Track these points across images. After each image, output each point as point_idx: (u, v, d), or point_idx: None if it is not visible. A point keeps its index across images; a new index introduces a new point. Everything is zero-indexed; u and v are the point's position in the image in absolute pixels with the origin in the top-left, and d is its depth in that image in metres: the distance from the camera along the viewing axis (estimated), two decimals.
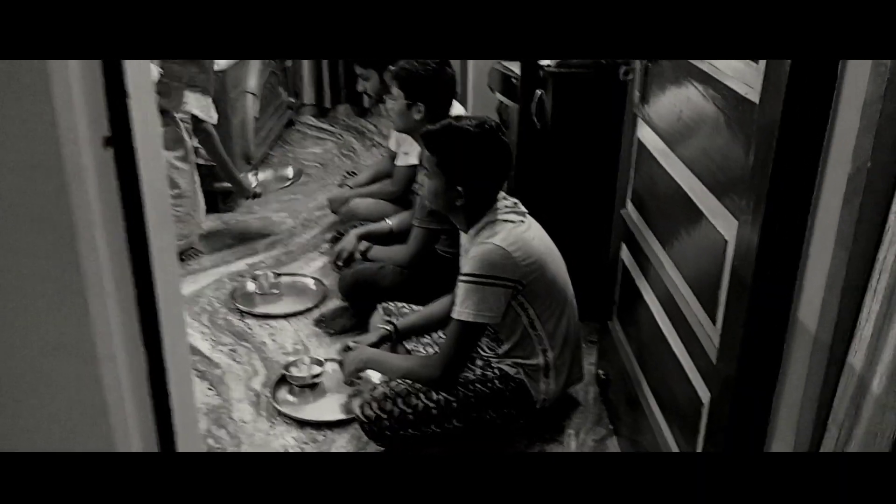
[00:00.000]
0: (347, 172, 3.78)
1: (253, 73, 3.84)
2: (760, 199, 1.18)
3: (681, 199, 1.60)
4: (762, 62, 1.20)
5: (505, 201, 2.04)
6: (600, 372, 2.25)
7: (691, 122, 1.55)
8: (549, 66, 2.52)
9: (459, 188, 1.94)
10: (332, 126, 4.96)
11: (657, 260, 1.78)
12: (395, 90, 2.61)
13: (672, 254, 1.69)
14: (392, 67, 3.05)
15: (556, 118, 2.54)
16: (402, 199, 3.12)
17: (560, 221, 2.55)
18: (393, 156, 3.25)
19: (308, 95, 5.13)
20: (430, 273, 2.55)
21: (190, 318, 2.69)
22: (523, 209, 2.07)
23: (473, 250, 1.94)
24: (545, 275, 1.97)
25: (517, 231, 1.96)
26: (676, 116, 1.64)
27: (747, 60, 1.26)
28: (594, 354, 2.38)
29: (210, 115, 3.12)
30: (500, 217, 1.98)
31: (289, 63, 4.63)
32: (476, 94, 3.85)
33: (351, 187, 3.44)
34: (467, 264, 1.94)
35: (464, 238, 2.09)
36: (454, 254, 2.32)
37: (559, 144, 2.59)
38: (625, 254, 2.06)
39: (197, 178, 3.16)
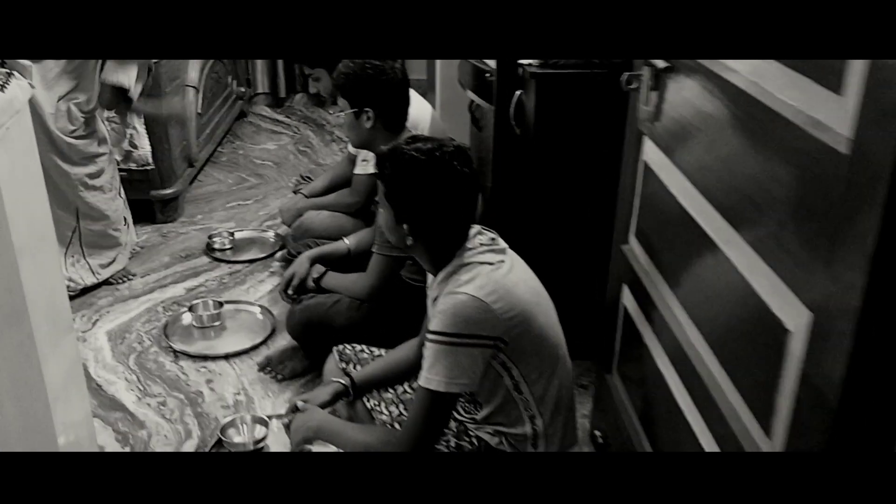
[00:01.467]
0: (302, 177, 3.39)
1: (193, 65, 3.42)
2: (855, 288, 0.84)
3: (709, 253, 1.25)
4: (849, 90, 0.85)
5: (480, 237, 1.66)
6: (597, 433, 1.91)
7: (726, 155, 1.20)
8: (530, 64, 2.15)
9: (405, 226, 1.58)
10: (288, 118, 4.56)
11: (672, 316, 1.44)
12: (340, 99, 2.24)
13: (695, 315, 1.35)
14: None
15: (540, 125, 2.18)
16: (362, 211, 2.75)
17: (544, 244, 2.21)
18: (353, 159, 2.87)
19: (262, 84, 4.71)
20: (393, 306, 2.19)
21: (115, 361, 2.30)
22: (503, 244, 1.69)
23: (443, 301, 1.57)
24: (532, 328, 1.60)
25: (496, 275, 1.58)
26: (704, 145, 1.29)
27: (820, 85, 0.91)
28: (587, 404, 2.04)
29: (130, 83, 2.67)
30: (474, 259, 1.60)
31: None
32: (444, 90, 3.47)
33: (306, 196, 3.06)
34: (436, 319, 1.57)
35: (431, 281, 1.73)
36: (423, 282, 1.95)
37: (543, 156, 2.24)
38: (627, 298, 1.71)
39: (121, 192, 2.74)
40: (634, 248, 1.68)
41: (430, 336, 1.56)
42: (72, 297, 2.51)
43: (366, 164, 2.67)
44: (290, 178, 3.69)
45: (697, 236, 1.29)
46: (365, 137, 2.26)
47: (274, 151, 4.06)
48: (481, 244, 1.62)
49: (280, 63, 4.63)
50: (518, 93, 2.30)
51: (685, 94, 1.37)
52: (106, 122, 3.01)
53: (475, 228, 1.65)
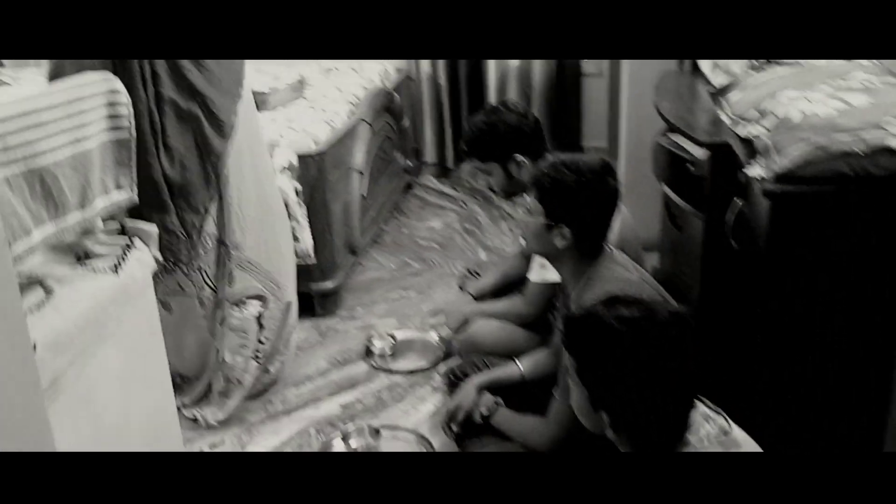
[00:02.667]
0: (469, 271, 3.09)
1: (360, 148, 3.23)
2: None
3: None
4: None
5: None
6: None
7: None
8: (759, 177, 1.71)
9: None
10: (455, 189, 4.31)
11: None
12: (532, 201, 1.88)
13: None
14: (519, 158, 2.34)
15: (777, 247, 1.73)
16: (536, 323, 2.40)
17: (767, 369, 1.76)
18: (527, 256, 2.53)
19: (429, 153, 4.50)
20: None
21: None
22: None
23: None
24: None
25: None
26: None
27: None
28: None
29: None
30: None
31: (406, 122, 4.01)
32: (630, 176, 3.07)
33: (473, 296, 2.75)
34: None
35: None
36: None
37: (778, 279, 1.77)
38: None
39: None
40: None
41: None
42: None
43: (543, 271, 2.32)
44: (456, 264, 3.41)
45: None
46: (551, 253, 1.90)
47: (439, 231, 3.80)
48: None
49: (448, 131, 4.41)
50: (738, 202, 1.87)
51: None
52: None
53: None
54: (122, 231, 1.19)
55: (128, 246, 1.13)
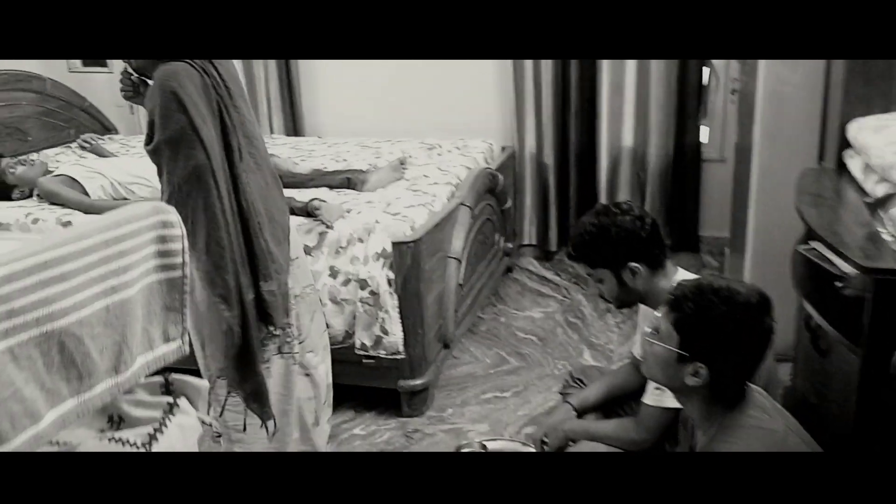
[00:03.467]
0: (572, 378, 2.79)
1: (459, 233, 3.02)
2: None
3: None
4: None
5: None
6: None
7: None
8: None
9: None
10: (558, 275, 4.04)
11: None
12: (666, 326, 1.59)
13: None
14: (634, 266, 2.06)
15: None
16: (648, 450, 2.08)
17: None
18: (637, 364, 2.23)
19: (528, 234, 4.27)
20: None
21: None
22: None
23: None
24: None
25: None
26: None
27: None
28: None
29: None
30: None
31: (508, 203, 3.80)
32: (757, 274, 2.73)
33: (575, 408, 2.45)
34: None
35: None
36: None
37: None
38: None
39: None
40: None
41: None
42: None
43: (661, 394, 2.02)
44: (557, 363, 3.13)
45: None
46: (679, 389, 1.64)
47: (539, 322, 3.53)
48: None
49: (553, 212, 4.17)
50: None
51: None
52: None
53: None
54: (166, 388, 0.98)
55: (170, 408, 0.92)
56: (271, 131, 4.48)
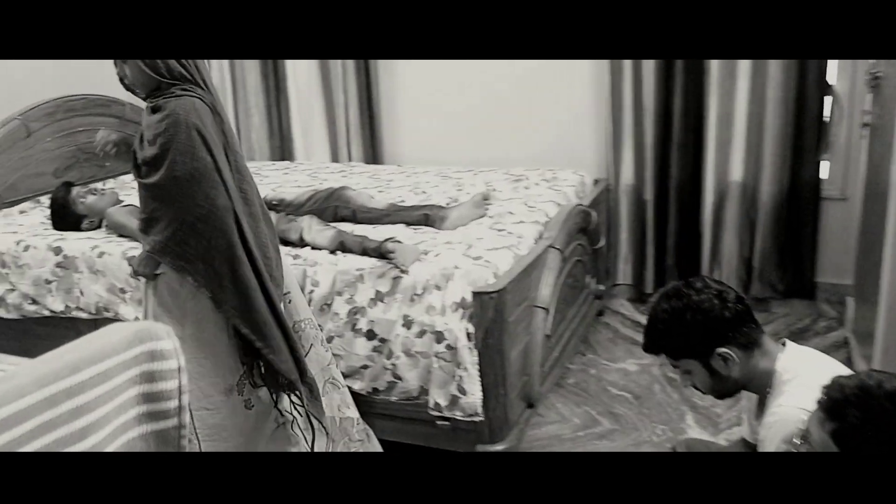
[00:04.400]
0: (674, 452, 2.44)
1: (547, 280, 2.72)
2: None
3: None
4: None
5: None
6: None
7: None
8: None
9: None
10: None
11: None
12: (821, 437, 1.25)
13: None
14: (723, 351, 1.71)
15: None
16: None
17: None
18: (752, 446, 1.88)
19: (623, 274, 3.92)
20: None
21: None
22: None
23: None
24: None
25: None
26: None
27: None
28: None
29: None
30: None
31: (602, 242, 3.47)
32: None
33: None
34: None
35: None
36: None
37: None
38: None
39: None
40: None
41: None
42: None
43: None
44: (655, 427, 2.78)
45: None
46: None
47: (634, 376, 3.18)
48: None
49: (650, 251, 3.81)
50: None
51: None
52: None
53: None
54: None
55: None
56: (349, 159, 4.29)
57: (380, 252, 2.53)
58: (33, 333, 3.09)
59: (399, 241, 2.57)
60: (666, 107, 3.63)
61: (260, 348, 1.94)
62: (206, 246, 1.81)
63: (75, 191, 3.13)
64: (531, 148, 4.00)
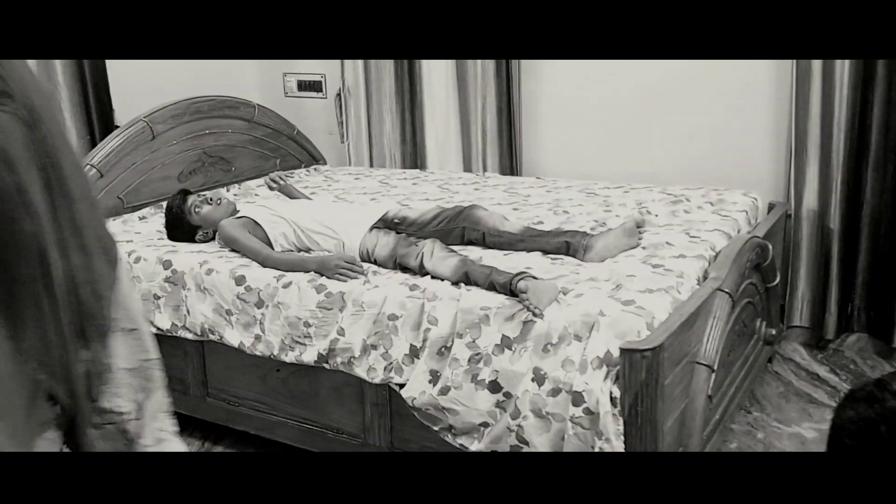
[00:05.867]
0: None
1: (713, 331, 2.23)
2: None
3: None
4: None
5: None
6: None
7: None
8: None
9: None
10: (835, 372, 3.07)
11: None
12: None
13: None
14: None
15: None
16: None
17: None
18: None
19: (799, 315, 3.32)
20: None
21: None
22: None
23: None
24: None
25: None
26: None
27: None
28: None
29: None
30: None
31: (777, 279, 2.92)
32: None
33: None
34: None
35: None
36: None
37: None
38: None
39: None
40: None
41: None
42: None
43: None
44: None
45: None
46: None
47: (811, 444, 2.62)
48: None
49: (833, 290, 3.21)
50: None
51: None
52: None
53: None
54: None
55: None
56: (484, 169, 3.93)
57: (510, 288, 2.15)
58: None
59: (533, 277, 2.17)
60: (862, 119, 3.03)
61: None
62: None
63: (191, 199, 2.94)
64: (692, 163, 3.49)
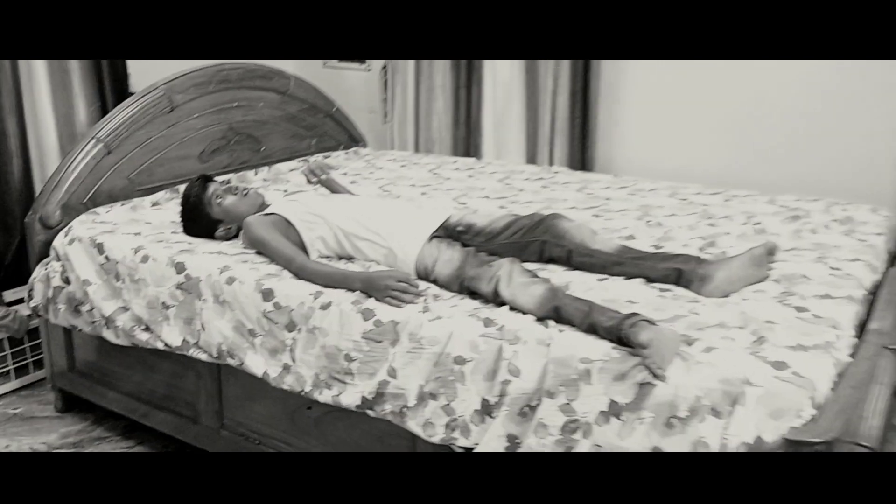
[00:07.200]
0: None
1: (874, 405, 1.71)
2: None
3: None
4: None
5: None
6: None
7: None
8: None
9: None
10: None
11: None
12: None
13: None
14: None
15: None
16: None
17: None
18: None
19: None
20: None
21: None
22: None
23: None
24: None
25: None
26: None
27: None
28: None
29: None
30: None
31: None
32: None
33: None
34: None
35: None
36: None
37: None
38: None
39: None
40: None
41: None
42: None
43: None
44: None
45: None
46: None
47: None
48: None
49: None
50: None
51: None
52: None
53: None
54: None
55: None
56: (551, 162, 3.41)
57: (619, 335, 1.65)
58: (147, 364, 2.47)
59: (648, 321, 1.66)
60: None
61: None
62: None
63: (212, 187, 2.45)
64: (796, 165, 2.97)
